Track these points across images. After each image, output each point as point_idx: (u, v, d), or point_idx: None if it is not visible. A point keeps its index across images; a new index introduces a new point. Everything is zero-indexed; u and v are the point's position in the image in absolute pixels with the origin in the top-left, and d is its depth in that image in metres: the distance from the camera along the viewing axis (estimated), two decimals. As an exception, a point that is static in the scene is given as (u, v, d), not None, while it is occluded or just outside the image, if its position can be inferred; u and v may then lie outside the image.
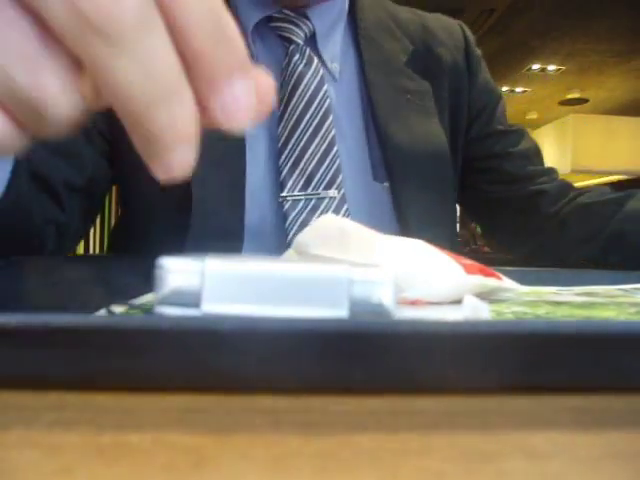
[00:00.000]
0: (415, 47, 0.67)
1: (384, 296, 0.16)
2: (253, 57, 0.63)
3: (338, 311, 0.15)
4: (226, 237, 0.54)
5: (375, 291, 0.16)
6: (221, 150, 0.52)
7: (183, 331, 0.13)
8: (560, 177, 0.69)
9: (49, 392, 0.14)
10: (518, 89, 5.58)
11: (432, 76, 0.67)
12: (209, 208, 0.53)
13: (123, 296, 0.23)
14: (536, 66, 5.00)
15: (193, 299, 0.15)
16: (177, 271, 0.15)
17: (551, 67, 5.01)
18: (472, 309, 0.19)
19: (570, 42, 4.31)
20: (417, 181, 0.60)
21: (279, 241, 0.55)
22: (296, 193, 0.56)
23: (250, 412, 0.13)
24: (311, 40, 0.63)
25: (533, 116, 6.31)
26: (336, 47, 0.64)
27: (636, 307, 0.28)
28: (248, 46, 0.63)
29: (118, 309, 0.21)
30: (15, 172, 0.31)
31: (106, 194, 0.65)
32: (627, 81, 5.19)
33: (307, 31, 0.62)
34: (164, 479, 0.10)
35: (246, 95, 0.17)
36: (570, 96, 5.68)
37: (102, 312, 0.20)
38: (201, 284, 0.15)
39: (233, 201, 0.55)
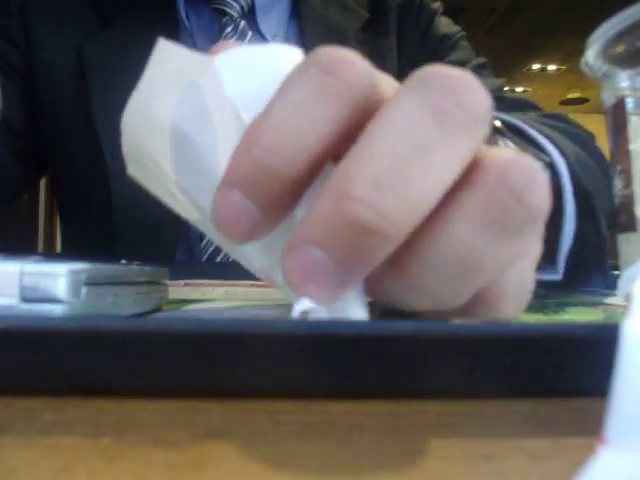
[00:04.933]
0: (371, 14, 0.67)
1: (58, 289, 0.16)
2: (187, 29, 0.63)
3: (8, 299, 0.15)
4: None
5: (48, 283, 0.16)
6: None
7: (181, 334, 0.13)
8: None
9: (49, 392, 0.14)
10: (518, 89, 5.58)
11: (386, 30, 0.67)
12: None
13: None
14: (536, 66, 5.00)
15: None
16: None
17: (551, 67, 5.00)
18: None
19: (570, 42, 4.31)
20: None
21: None
22: None
23: (250, 412, 0.13)
24: (250, 14, 0.62)
25: (533, 116, 6.31)
26: (277, 23, 0.64)
27: (605, 311, 0.28)
28: (180, 20, 0.63)
29: None
30: None
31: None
32: (627, 81, 5.17)
33: (244, 4, 0.61)
34: (164, 479, 0.10)
35: None
36: (571, 96, 5.68)
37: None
38: None
39: None
